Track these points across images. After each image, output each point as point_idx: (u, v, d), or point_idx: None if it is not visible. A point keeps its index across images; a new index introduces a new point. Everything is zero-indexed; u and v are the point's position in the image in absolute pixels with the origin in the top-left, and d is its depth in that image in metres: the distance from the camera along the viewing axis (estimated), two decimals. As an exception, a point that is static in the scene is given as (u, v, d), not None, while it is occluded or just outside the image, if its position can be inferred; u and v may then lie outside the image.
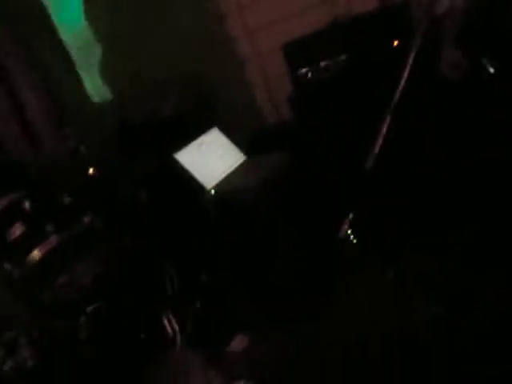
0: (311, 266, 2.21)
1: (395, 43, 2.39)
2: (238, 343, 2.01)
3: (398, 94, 1.27)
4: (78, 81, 3.30)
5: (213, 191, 2.26)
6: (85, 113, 3.13)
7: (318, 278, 2.16)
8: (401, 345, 1.77)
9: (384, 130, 1.21)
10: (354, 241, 1.49)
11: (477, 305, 1.72)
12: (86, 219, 1.84)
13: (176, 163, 2.25)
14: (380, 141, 1.21)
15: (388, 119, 1.20)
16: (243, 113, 3.18)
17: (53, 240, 1.69)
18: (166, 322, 1.99)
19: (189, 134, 2.53)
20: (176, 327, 1.99)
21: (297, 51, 2.67)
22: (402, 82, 1.27)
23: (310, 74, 2.67)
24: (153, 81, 3.11)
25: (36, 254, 1.66)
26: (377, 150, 1.21)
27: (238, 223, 2.25)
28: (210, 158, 2.40)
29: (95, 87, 3.42)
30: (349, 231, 1.36)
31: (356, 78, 2.49)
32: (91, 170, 2.08)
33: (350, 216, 1.23)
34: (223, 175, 2.39)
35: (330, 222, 2.04)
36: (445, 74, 1.39)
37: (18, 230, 1.67)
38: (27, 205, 1.73)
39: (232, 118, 2.95)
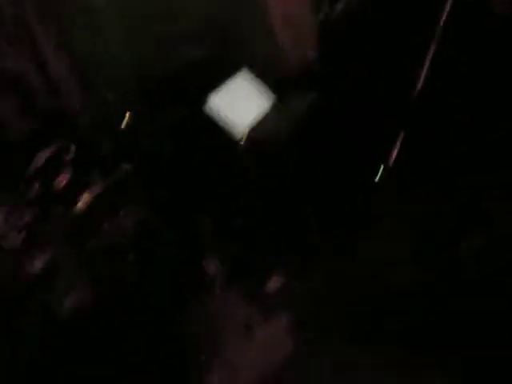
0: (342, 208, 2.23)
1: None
2: (274, 282, 2.08)
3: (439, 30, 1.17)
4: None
5: (243, 139, 2.25)
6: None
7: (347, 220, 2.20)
8: (432, 282, 1.83)
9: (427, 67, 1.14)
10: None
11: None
12: (125, 167, 1.88)
13: (204, 111, 2.22)
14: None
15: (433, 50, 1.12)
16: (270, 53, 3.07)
17: (98, 187, 1.74)
18: (204, 264, 2.06)
19: (216, 79, 2.47)
20: (214, 269, 2.07)
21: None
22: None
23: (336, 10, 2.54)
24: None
25: (82, 201, 1.71)
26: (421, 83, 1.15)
27: (269, 171, 2.25)
28: (240, 103, 2.37)
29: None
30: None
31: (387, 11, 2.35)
32: (126, 118, 2.08)
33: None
34: (254, 121, 2.36)
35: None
36: (497, 8, 1.29)
37: (64, 179, 1.71)
38: (71, 153, 1.76)
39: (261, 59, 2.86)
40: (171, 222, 2.09)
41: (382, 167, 1.87)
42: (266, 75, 2.59)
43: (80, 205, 1.72)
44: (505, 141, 1.81)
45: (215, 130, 2.24)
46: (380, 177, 1.84)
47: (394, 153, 1.36)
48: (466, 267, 1.74)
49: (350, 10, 2.44)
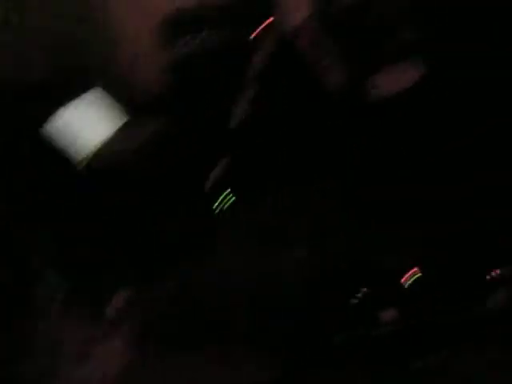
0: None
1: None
2: (118, 298, 2.10)
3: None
4: None
5: (85, 162, 2.25)
6: None
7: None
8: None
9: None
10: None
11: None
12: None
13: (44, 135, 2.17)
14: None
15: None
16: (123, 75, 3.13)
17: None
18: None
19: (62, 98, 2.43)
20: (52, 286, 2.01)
21: (178, 22, 2.72)
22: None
23: (190, 44, 2.76)
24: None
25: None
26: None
27: (115, 193, 2.28)
28: (85, 123, 2.37)
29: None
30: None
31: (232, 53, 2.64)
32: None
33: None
34: (101, 141, 2.38)
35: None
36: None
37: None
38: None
39: (114, 78, 2.90)
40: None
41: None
42: (115, 95, 2.66)
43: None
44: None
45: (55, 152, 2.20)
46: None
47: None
48: (287, 277, 1.97)
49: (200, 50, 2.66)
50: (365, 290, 1.92)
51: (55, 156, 2.19)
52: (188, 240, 2.24)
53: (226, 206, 2.16)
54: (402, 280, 1.88)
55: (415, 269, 1.90)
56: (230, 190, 2.05)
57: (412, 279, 1.90)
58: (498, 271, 1.73)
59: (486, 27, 1.89)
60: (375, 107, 1.78)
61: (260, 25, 2.29)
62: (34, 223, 2.06)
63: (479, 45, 1.89)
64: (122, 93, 2.69)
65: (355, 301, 1.93)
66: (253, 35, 2.32)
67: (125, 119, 2.53)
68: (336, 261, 2.01)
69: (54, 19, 2.82)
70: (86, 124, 2.36)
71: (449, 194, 1.85)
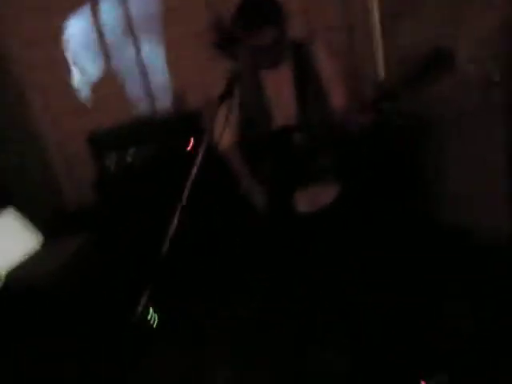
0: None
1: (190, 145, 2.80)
2: None
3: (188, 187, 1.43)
4: None
5: (3, 278, 2.10)
6: None
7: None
8: None
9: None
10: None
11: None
12: None
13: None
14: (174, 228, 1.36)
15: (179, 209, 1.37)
16: (42, 193, 3.07)
17: None
18: None
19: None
20: None
21: (103, 139, 2.83)
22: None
23: (114, 161, 2.83)
24: None
25: None
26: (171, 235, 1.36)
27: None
28: (2, 243, 2.24)
29: None
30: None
31: (156, 169, 2.77)
32: None
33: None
34: (17, 262, 2.25)
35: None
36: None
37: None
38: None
39: (30, 199, 2.82)
40: None
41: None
42: (36, 214, 2.57)
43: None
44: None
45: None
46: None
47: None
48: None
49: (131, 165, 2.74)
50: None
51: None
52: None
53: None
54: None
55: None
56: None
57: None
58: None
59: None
60: (300, 221, 1.94)
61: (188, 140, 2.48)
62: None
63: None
64: (39, 211, 2.61)
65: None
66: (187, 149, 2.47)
67: (41, 239, 2.42)
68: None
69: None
70: (3, 243, 2.26)
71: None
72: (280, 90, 1.81)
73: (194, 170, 1.42)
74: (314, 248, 1.98)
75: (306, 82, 1.77)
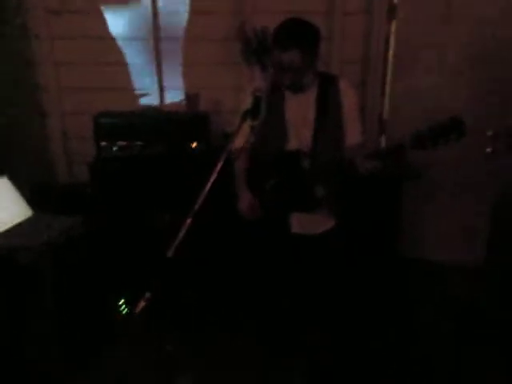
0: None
1: (194, 145, 2.83)
2: None
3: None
4: None
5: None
6: None
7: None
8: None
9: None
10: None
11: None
12: None
13: None
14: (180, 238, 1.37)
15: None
16: (36, 166, 3.04)
17: None
18: None
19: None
20: None
21: (107, 123, 2.82)
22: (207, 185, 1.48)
23: (114, 148, 2.83)
24: None
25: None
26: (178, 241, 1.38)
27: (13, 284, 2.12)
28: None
29: None
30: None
31: (156, 165, 2.81)
32: None
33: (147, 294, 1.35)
34: (3, 229, 2.22)
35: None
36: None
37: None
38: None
39: (24, 170, 2.79)
40: None
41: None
42: (30, 184, 2.55)
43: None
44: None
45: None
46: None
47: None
48: None
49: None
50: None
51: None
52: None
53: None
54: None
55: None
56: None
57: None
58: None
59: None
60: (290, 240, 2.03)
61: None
62: None
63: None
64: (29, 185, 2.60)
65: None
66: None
67: (30, 212, 2.40)
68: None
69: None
70: None
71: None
72: (300, 115, 1.89)
73: (211, 179, 1.46)
74: (299, 266, 2.05)
75: (327, 113, 1.85)
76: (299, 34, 1.74)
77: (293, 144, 1.90)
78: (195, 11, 3.06)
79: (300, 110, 1.89)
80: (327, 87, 1.86)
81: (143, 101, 3.19)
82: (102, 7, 3.01)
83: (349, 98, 1.87)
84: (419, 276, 3.13)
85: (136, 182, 2.79)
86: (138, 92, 3.19)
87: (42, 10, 2.96)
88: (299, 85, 1.85)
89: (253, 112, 1.63)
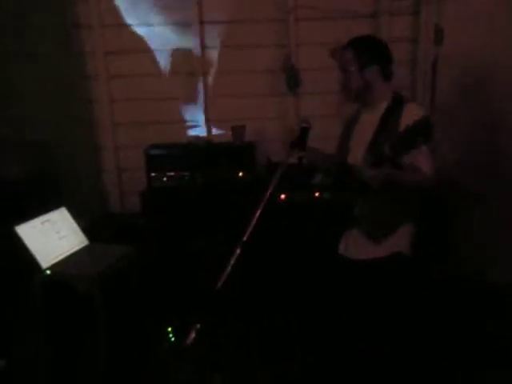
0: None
1: (240, 174, 2.89)
2: None
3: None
4: None
5: (48, 271, 2.20)
6: None
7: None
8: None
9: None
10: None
11: None
12: None
13: (14, 236, 2.15)
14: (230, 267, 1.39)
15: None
16: (91, 197, 3.20)
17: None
18: None
19: (31, 207, 2.46)
20: None
21: (157, 155, 2.97)
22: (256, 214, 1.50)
23: (164, 178, 2.96)
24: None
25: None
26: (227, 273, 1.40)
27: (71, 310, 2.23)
28: (52, 238, 2.36)
29: None
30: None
31: (204, 194, 2.89)
32: None
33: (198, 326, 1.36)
34: (62, 257, 2.35)
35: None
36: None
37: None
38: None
39: (79, 201, 2.95)
40: None
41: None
42: (85, 215, 2.70)
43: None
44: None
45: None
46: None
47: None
48: None
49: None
50: None
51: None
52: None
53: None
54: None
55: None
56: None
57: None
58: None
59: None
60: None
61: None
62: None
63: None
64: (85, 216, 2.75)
65: None
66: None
67: (86, 242, 2.52)
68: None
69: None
70: (53, 238, 2.39)
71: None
72: (362, 131, 1.90)
73: (259, 211, 1.48)
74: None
75: (385, 132, 1.83)
76: (359, 37, 1.88)
77: (351, 159, 1.90)
78: (239, 46, 3.19)
79: (363, 128, 1.91)
80: (394, 108, 1.85)
81: (191, 132, 3.32)
82: (153, 47, 3.20)
83: (409, 121, 1.83)
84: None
85: (184, 210, 2.87)
86: (186, 124, 3.32)
87: (100, 53, 3.18)
88: (349, 89, 1.88)
89: (299, 143, 1.66)
